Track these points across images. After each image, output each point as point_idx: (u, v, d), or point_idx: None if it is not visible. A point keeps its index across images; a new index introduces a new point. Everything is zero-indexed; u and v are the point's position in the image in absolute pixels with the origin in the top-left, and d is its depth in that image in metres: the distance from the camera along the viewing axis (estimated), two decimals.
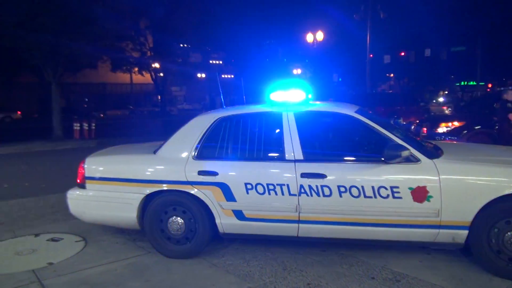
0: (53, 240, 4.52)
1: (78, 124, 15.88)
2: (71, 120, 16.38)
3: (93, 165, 4.22)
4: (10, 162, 10.88)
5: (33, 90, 32.41)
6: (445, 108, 17.29)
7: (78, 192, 4.23)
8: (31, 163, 10.64)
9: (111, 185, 4.06)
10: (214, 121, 4.00)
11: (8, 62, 22.86)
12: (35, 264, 3.87)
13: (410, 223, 3.43)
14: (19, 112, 33.27)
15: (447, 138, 8.40)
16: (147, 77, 35.69)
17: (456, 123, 8.86)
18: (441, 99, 34.58)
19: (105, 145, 5.67)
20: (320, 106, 4.18)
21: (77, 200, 4.23)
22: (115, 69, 34.20)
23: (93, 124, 16.15)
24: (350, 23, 27.54)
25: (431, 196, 3.36)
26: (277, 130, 3.95)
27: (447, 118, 9.69)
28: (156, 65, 33.43)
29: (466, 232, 3.35)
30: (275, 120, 3.97)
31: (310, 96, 4.21)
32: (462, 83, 41.62)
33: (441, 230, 3.39)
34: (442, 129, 8.89)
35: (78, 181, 4.26)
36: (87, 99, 41.62)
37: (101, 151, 4.83)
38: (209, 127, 3.98)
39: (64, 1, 13.11)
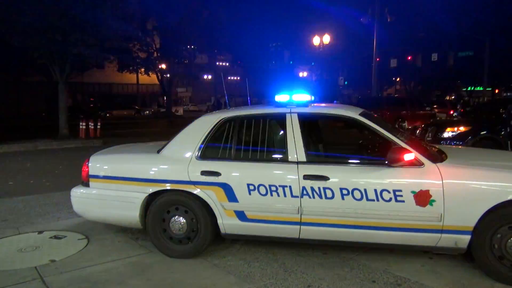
0: (56, 237, 4.55)
1: (84, 123, 15.98)
2: (77, 119, 16.49)
3: (97, 164, 4.24)
4: (16, 159, 10.96)
5: (40, 89, 32.68)
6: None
7: (81, 190, 4.26)
8: (37, 161, 10.72)
9: (114, 184, 4.08)
10: (218, 122, 4.00)
11: (16, 61, 23.06)
12: (38, 261, 3.90)
13: (412, 227, 3.42)
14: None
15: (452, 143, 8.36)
16: (153, 78, 35.82)
17: (462, 128, 8.82)
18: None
19: (110, 144, 5.70)
20: (324, 108, 4.18)
21: (81, 198, 4.26)
22: (121, 70, 34.32)
23: (99, 124, 16.23)
24: (357, 26, 27.54)
25: (434, 200, 3.34)
26: (281, 132, 3.95)
27: (453, 123, 9.63)
28: (163, 66, 33.56)
29: (468, 237, 3.33)
30: (279, 122, 3.98)
31: (312, 98, 4.21)
32: (469, 88, 41.39)
33: (443, 235, 3.37)
34: (447, 133, 8.85)
35: (82, 179, 4.29)
36: (93, 99, 41.95)
37: (105, 149, 4.86)
38: (212, 128, 3.99)
39: (74, 2, 13.23)
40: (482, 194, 3.29)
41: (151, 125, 25.66)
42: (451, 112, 18.24)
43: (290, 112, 3.88)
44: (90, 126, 16.01)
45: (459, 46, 29.90)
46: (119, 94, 46.38)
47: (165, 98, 38.98)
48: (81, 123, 15.98)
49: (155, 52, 32.79)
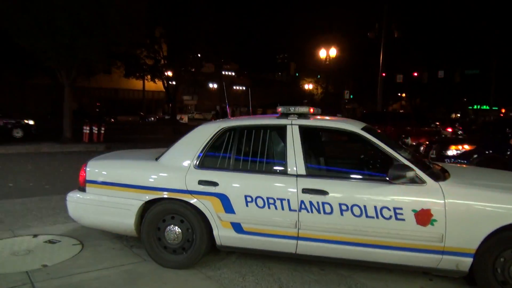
0: (50, 242, 4.49)
1: (88, 128, 16.02)
2: (82, 123, 16.54)
3: (95, 169, 4.19)
4: (18, 161, 10.96)
5: (46, 92, 32.91)
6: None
7: (78, 195, 4.20)
8: (38, 163, 10.71)
9: (110, 190, 4.02)
10: (218, 131, 3.95)
11: (23, 63, 23.24)
12: (30, 265, 3.83)
13: (412, 247, 3.32)
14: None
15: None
16: (159, 85, 36.03)
17: (467, 147, 8.71)
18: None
19: (113, 150, 5.68)
20: (326, 121, 4.11)
21: (76, 203, 4.19)
22: (128, 75, 34.57)
23: (103, 128, 16.27)
24: (364, 41, 27.62)
25: (435, 220, 3.25)
26: (281, 143, 3.89)
27: (457, 141, 9.53)
28: (169, 73, 33.74)
29: (470, 259, 3.23)
30: (280, 133, 3.92)
31: (314, 110, 4.12)
32: (475, 107, 41.28)
33: (444, 256, 3.27)
34: (452, 151, 8.74)
35: (79, 184, 4.24)
36: (99, 104, 42.19)
37: (104, 155, 4.81)
38: (212, 137, 3.93)
39: (82, 6, 13.34)
40: (486, 216, 3.20)
41: (155, 131, 25.70)
42: (449, 130, 18.24)
43: (291, 124, 3.81)
44: (94, 131, 16.05)
45: (466, 64, 29.88)
46: (124, 100, 46.62)
47: (170, 105, 39.12)
48: (85, 127, 16.04)
49: (162, 59, 33.01)
